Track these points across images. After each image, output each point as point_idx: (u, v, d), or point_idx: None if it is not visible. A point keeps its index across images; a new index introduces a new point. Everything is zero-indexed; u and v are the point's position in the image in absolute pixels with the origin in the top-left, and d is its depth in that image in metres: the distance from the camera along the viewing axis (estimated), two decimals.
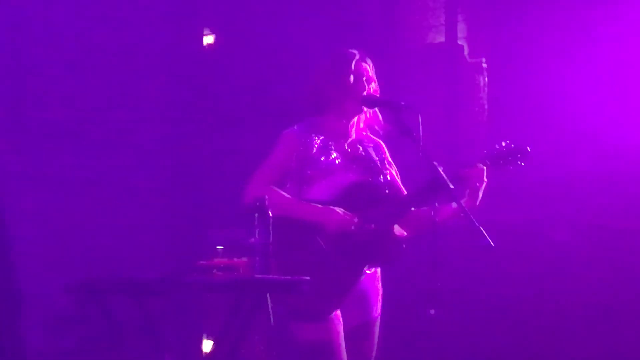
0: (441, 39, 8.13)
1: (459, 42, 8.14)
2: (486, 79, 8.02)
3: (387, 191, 4.83)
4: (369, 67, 4.86)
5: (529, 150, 4.84)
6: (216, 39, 8.90)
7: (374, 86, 4.87)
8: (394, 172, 4.97)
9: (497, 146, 4.86)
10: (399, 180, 4.97)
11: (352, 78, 4.80)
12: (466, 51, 8.17)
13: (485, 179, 4.73)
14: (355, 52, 4.88)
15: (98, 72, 7.97)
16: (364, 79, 4.82)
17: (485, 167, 4.74)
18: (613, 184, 7.01)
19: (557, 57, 7.29)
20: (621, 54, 7.05)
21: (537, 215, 7.20)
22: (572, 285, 7.07)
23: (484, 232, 4.44)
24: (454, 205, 4.69)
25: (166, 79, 8.53)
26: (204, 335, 7.89)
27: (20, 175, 7.21)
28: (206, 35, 8.89)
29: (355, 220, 4.67)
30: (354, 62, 4.83)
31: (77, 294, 4.45)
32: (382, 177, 4.87)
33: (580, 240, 7.18)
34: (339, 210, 4.67)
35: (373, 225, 4.71)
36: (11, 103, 7.62)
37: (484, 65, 8.07)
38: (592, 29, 7.17)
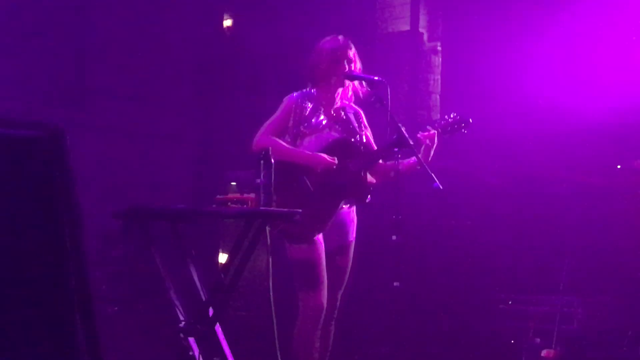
0: (406, 27, 8.11)
1: (420, 30, 8.13)
2: (440, 59, 8.02)
3: (361, 148, 4.84)
4: (351, 51, 4.83)
5: (471, 121, 4.82)
6: (234, 23, 8.86)
7: (356, 66, 4.84)
8: (368, 134, 4.95)
9: (446, 117, 4.84)
10: (372, 140, 4.96)
11: (337, 59, 4.79)
12: (425, 37, 8.16)
13: (436, 141, 4.73)
14: (341, 38, 4.86)
15: (140, 47, 7.96)
16: (346, 60, 4.80)
17: (436, 132, 4.74)
18: (536, 141, 7.04)
19: (496, 44, 7.29)
20: (545, 38, 7.06)
21: (476, 165, 7.24)
22: (499, 217, 7.14)
23: (435, 177, 4.47)
24: (412, 159, 4.73)
25: (194, 52, 8.51)
26: (220, 250, 7.94)
27: (81, 126, 7.21)
28: (226, 19, 8.86)
29: (336, 162, 4.68)
30: (339, 47, 4.82)
31: (123, 219, 4.48)
32: (358, 137, 4.86)
33: (507, 183, 7.23)
34: (324, 155, 4.68)
35: (350, 170, 4.74)
36: (74, 68, 7.62)
37: (439, 48, 8.07)
38: (524, 20, 7.18)
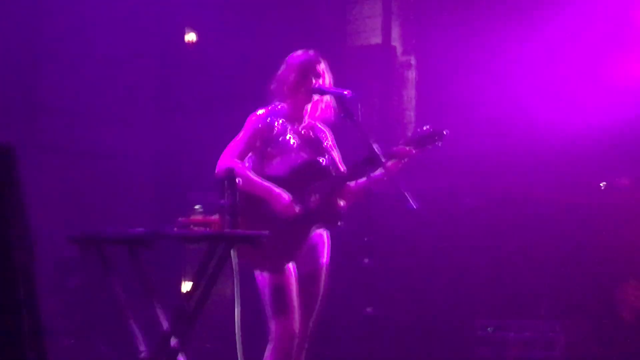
0: (378, 40, 8.13)
1: (392, 43, 8.14)
2: (415, 74, 8.04)
3: (330, 168, 4.80)
4: (320, 66, 4.80)
5: (445, 133, 4.77)
6: (197, 37, 8.85)
7: (326, 80, 4.80)
8: (335, 155, 4.92)
9: (419, 130, 4.81)
10: (339, 161, 4.91)
11: (305, 73, 4.76)
12: (398, 51, 8.17)
13: (409, 156, 4.70)
14: (310, 52, 4.84)
15: (100, 61, 7.92)
16: (314, 75, 4.76)
17: (410, 148, 4.70)
18: (515, 159, 7.07)
19: (476, 56, 7.32)
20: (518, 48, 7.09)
21: (451, 184, 7.25)
22: (476, 238, 7.17)
23: (409, 197, 4.42)
24: (379, 173, 4.66)
25: (155, 70, 8.49)
26: (183, 278, 7.89)
27: (34, 146, 7.14)
28: (188, 33, 8.85)
29: (297, 210, 4.64)
30: (308, 61, 4.79)
31: (79, 244, 4.42)
32: (327, 158, 4.83)
33: (484, 203, 7.26)
34: (286, 196, 4.62)
35: (318, 196, 4.70)
36: (24, 82, 7.57)
37: (413, 62, 8.08)
38: (504, 32, 7.22)
